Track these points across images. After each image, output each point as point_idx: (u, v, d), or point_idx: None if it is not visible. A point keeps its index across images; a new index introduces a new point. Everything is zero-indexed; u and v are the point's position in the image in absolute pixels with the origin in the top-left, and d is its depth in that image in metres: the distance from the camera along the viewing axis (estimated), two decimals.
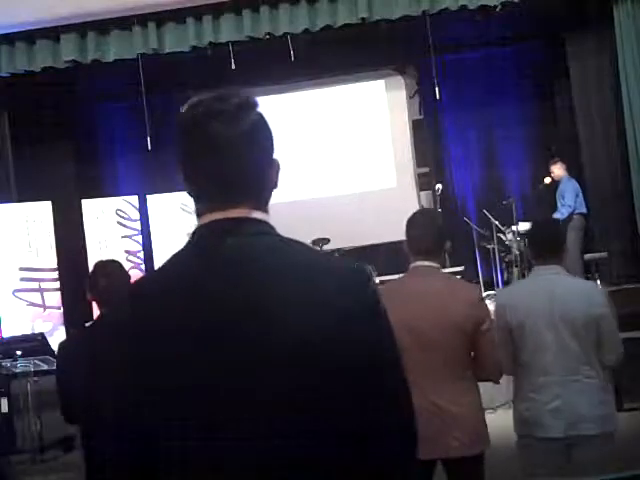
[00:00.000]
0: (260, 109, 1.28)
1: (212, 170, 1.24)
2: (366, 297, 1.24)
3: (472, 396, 2.80)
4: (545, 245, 3.18)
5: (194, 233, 1.27)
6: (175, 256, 1.28)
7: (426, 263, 2.82)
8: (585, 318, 3.00)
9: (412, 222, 2.88)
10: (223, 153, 1.23)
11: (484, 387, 2.91)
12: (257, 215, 1.26)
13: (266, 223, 1.26)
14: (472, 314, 2.74)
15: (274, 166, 1.30)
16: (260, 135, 1.27)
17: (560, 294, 3.04)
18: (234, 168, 1.24)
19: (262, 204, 1.28)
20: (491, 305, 3.14)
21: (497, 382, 3.04)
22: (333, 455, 1.17)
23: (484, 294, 7.94)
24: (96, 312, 3.21)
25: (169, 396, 1.16)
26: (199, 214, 1.27)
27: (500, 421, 4.16)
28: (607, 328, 3.03)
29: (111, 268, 3.13)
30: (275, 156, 1.30)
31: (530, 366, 3.02)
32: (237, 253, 1.21)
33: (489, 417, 2.87)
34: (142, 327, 1.21)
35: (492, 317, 2.95)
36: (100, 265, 3.16)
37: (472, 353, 2.80)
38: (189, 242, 1.27)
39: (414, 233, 2.85)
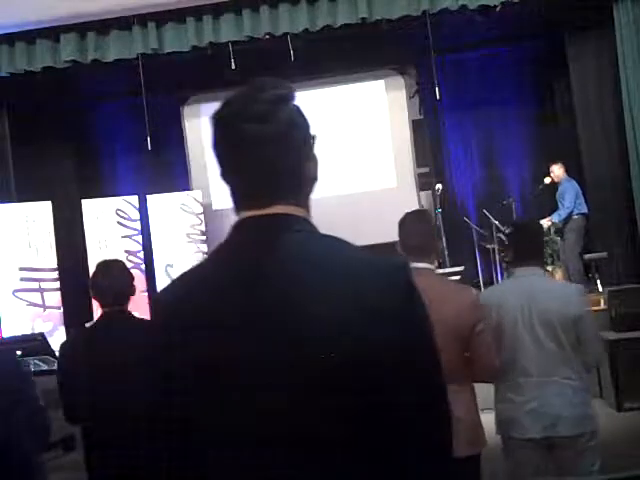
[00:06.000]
0: (295, 100, 1.30)
1: (247, 170, 1.25)
2: (404, 292, 1.23)
3: (468, 397, 2.78)
4: (527, 247, 3.19)
5: (232, 229, 1.29)
6: (217, 251, 1.30)
7: (419, 265, 2.75)
8: (562, 319, 3.00)
9: (404, 222, 2.85)
10: (258, 153, 1.24)
11: (479, 387, 2.91)
12: (293, 211, 1.27)
13: (303, 219, 1.28)
14: (467, 317, 2.71)
15: (312, 159, 1.32)
16: (295, 131, 1.28)
17: (538, 295, 3.05)
18: (270, 167, 1.25)
19: (302, 199, 1.30)
20: None
21: (492, 382, 3.05)
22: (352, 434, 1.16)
23: None
24: (96, 312, 3.20)
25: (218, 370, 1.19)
26: (237, 210, 1.29)
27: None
28: (585, 329, 3.04)
29: (114, 268, 3.14)
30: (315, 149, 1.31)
31: (509, 367, 3.02)
32: (270, 249, 1.22)
33: (484, 417, 2.87)
34: (196, 310, 1.23)
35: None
36: (103, 265, 3.16)
37: (467, 354, 2.78)
38: (228, 237, 1.30)
39: (406, 233, 2.82)
